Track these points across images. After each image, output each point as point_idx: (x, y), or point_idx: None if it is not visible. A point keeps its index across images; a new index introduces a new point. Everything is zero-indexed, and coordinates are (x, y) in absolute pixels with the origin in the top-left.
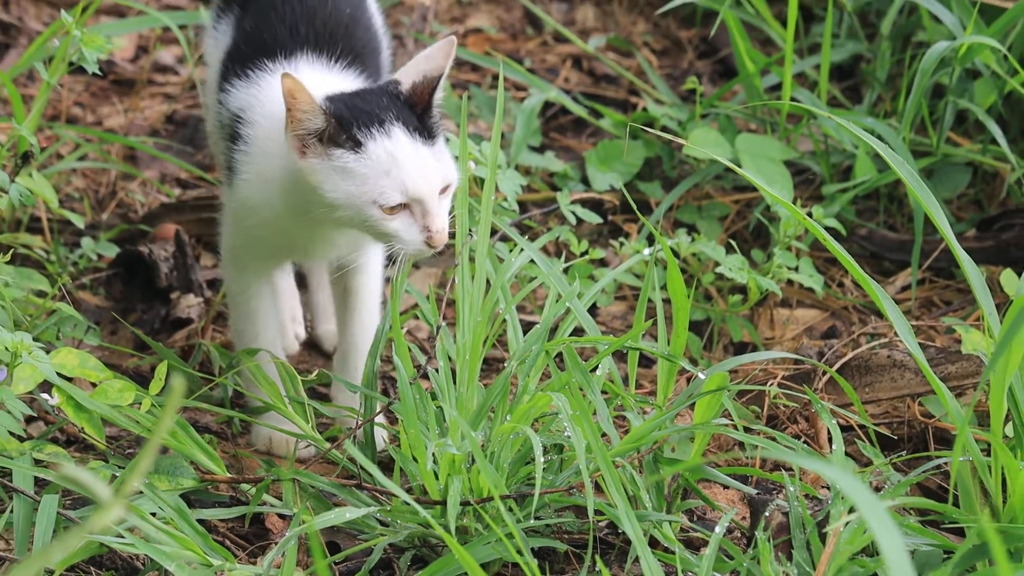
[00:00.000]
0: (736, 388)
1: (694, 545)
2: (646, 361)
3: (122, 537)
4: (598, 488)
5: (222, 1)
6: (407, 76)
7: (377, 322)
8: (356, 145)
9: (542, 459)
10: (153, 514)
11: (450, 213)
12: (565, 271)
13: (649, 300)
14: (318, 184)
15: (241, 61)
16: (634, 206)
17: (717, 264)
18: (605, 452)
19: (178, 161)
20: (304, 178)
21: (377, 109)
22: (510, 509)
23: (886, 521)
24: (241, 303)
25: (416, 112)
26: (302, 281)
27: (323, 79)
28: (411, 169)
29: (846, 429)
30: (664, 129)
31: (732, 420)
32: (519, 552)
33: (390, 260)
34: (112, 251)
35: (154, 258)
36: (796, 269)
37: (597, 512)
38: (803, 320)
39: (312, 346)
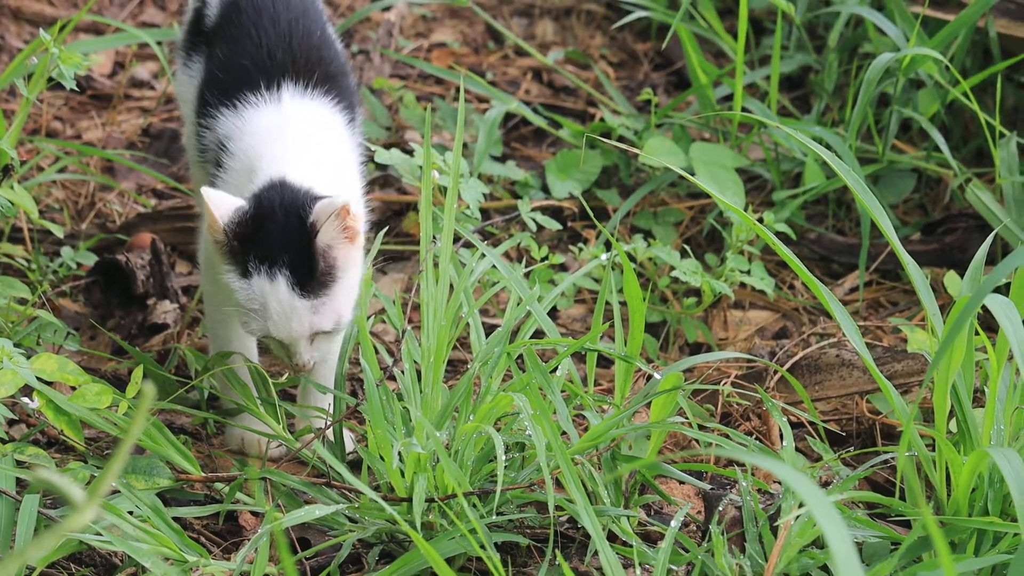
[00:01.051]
0: (691, 387)
1: (651, 539)
2: (604, 362)
3: (100, 535)
4: (558, 484)
5: (190, 43)
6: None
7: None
8: (245, 274)
9: (504, 457)
10: (131, 512)
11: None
12: (526, 276)
13: (607, 303)
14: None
15: (224, 89)
16: (591, 213)
17: (672, 268)
18: (565, 450)
19: (154, 173)
20: None
21: (276, 245)
22: (474, 505)
23: (833, 515)
24: (215, 308)
25: (310, 252)
26: None
27: (303, 108)
28: (278, 320)
29: (797, 426)
30: (621, 139)
31: (687, 418)
32: (482, 547)
33: None
34: (91, 259)
35: (131, 266)
36: (748, 272)
37: (557, 508)
38: (755, 321)
39: None
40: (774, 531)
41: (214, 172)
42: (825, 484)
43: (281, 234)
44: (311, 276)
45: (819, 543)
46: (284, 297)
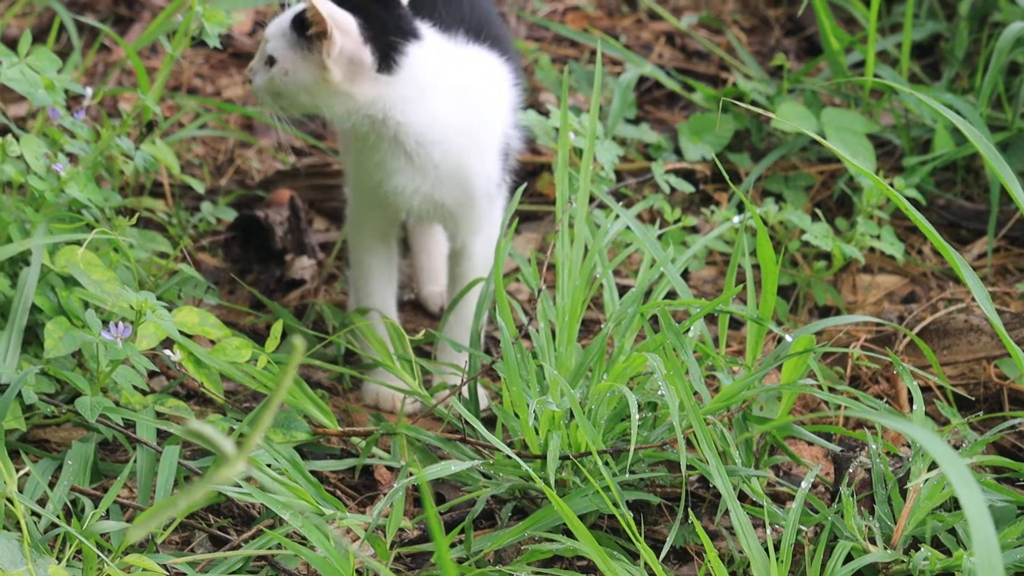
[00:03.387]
0: (821, 350)
1: (780, 499)
2: (736, 323)
3: (239, 487)
4: (690, 444)
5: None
6: None
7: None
8: None
9: (637, 416)
10: (269, 465)
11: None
12: (659, 237)
13: (738, 265)
14: None
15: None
16: (726, 175)
17: (803, 232)
18: (697, 410)
19: (292, 130)
20: None
21: None
22: (606, 463)
23: (966, 476)
24: (357, 260)
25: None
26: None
27: (476, 51)
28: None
29: (925, 390)
30: (753, 103)
31: (817, 380)
32: (615, 504)
33: None
34: (230, 215)
35: (270, 222)
36: (878, 237)
37: (689, 467)
38: (884, 286)
39: (418, 307)
40: (903, 494)
41: None
42: (954, 448)
43: None
44: (300, 23)
45: (947, 506)
46: (288, 14)
